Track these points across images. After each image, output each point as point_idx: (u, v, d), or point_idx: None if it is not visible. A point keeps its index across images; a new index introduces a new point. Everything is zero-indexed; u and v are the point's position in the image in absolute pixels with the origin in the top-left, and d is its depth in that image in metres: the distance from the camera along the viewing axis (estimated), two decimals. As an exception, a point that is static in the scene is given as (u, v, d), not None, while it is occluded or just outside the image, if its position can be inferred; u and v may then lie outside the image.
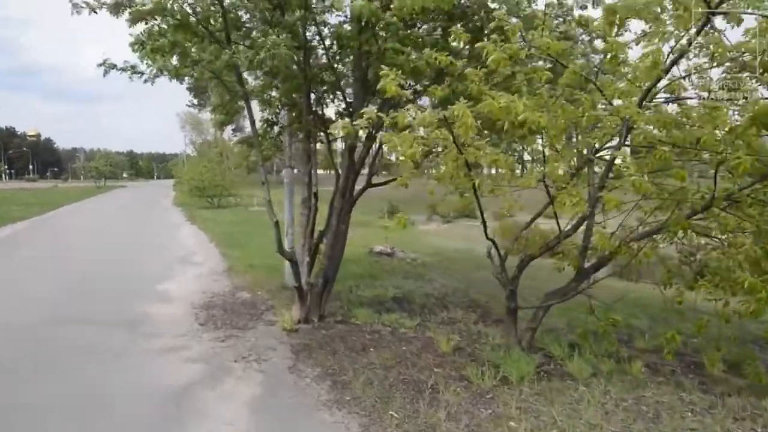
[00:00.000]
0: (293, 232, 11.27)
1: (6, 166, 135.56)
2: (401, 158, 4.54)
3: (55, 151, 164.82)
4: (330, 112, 9.78)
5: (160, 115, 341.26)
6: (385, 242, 16.50)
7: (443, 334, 8.28)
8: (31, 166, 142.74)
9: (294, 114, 9.70)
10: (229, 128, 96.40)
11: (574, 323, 9.49)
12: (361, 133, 7.85)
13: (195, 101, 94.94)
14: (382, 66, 5.28)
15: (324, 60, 8.91)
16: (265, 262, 13.70)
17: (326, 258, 8.52)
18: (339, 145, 10.15)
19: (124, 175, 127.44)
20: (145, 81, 7.06)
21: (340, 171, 8.63)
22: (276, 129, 9.83)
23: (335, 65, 8.28)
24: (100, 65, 6.88)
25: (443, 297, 11.33)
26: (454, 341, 7.88)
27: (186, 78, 7.55)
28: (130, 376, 6.48)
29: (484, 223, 6.85)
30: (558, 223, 7.06)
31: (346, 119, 4.78)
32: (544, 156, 5.86)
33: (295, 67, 8.45)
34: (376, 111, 4.74)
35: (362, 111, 4.75)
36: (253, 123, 7.92)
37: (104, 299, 10.19)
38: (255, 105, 10.07)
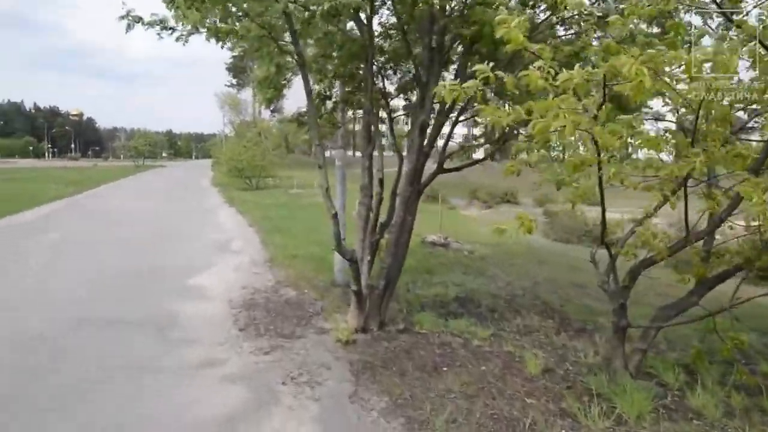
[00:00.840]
0: (344, 223, 10.02)
1: (49, 145, 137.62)
2: (534, 133, 3.20)
3: (96, 130, 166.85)
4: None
5: (199, 95, 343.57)
6: (438, 231, 15.14)
7: (524, 348, 7.00)
8: (73, 145, 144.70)
9: (349, 88, 8.42)
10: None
11: (670, 337, 8.09)
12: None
13: (234, 81, 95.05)
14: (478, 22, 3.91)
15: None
16: (309, 252, 12.52)
17: (389, 256, 7.22)
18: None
19: (163, 154, 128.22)
20: (177, 39, 5.83)
21: (405, 153, 7.31)
22: (329, 104, 8.56)
23: (405, 27, 6.93)
24: (122, 18, 5.64)
25: (512, 298, 9.98)
26: (540, 360, 6.55)
27: (226, 40, 6.25)
28: (154, 403, 5.29)
29: (603, 222, 5.45)
30: (687, 222, 5.63)
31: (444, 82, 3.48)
32: (694, 134, 4.40)
33: (354, 31, 7.19)
34: (487, 70, 3.39)
35: (475, 69, 3.42)
36: (309, 93, 6.63)
37: (133, 295, 9.08)
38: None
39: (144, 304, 8.55)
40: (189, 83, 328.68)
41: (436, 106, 7.10)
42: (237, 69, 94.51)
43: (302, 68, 6.28)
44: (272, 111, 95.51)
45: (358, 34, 7.16)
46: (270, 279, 10.26)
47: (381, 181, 7.00)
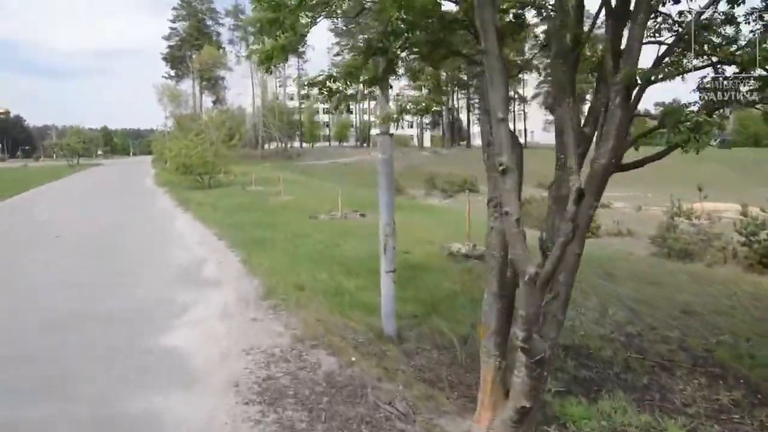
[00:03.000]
0: (394, 246, 6.78)
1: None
2: None
3: (25, 128, 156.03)
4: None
5: (135, 89, 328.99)
6: (466, 239, 11.95)
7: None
8: (0, 145, 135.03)
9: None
10: (209, 99, 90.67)
11: None
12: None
13: (172, 72, 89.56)
14: None
15: None
16: (316, 278, 9.23)
17: (552, 323, 3.97)
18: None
19: (99, 152, 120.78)
20: None
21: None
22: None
23: None
24: None
25: (631, 343, 7.00)
26: None
27: None
28: None
29: None
30: None
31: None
32: None
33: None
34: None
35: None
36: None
37: (69, 373, 5.65)
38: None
39: (90, 395, 5.13)
40: (124, 77, 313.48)
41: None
42: (175, 59, 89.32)
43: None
44: (214, 102, 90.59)
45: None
46: (281, 332, 6.86)
47: (580, 193, 3.64)
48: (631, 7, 3.90)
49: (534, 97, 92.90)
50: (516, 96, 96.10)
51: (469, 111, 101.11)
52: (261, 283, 9.18)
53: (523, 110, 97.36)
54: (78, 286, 9.35)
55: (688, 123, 3.61)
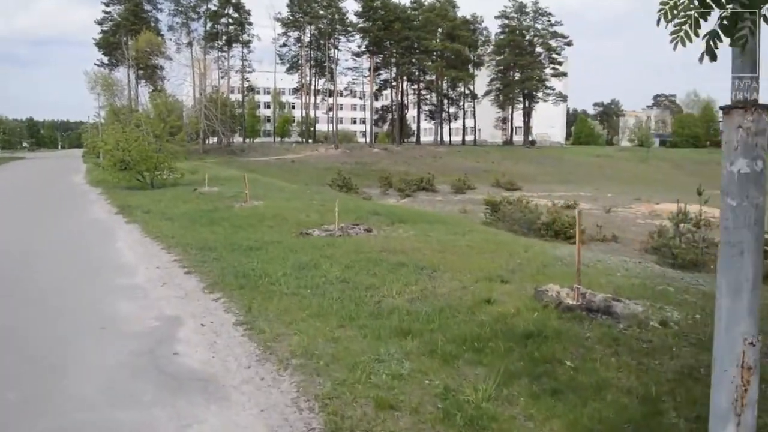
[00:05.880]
0: (756, 400, 2.68)
1: None
2: None
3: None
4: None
5: (63, 78, 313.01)
6: (576, 283, 7.88)
7: None
8: None
9: None
10: (145, 90, 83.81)
11: None
12: None
13: (105, 60, 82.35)
14: None
15: None
16: (398, 374, 5.11)
17: None
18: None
19: (24, 145, 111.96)
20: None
21: None
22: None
23: None
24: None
25: None
26: None
27: None
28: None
29: None
30: None
31: None
32: None
33: None
34: None
35: None
36: None
37: None
38: None
39: None
40: (52, 66, 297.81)
41: None
42: (109, 45, 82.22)
43: None
44: (152, 91, 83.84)
45: None
46: None
47: None
48: None
49: (486, 94, 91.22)
50: (467, 93, 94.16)
51: (419, 107, 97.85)
52: (298, 387, 4.97)
53: (473, 107, 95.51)
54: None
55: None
